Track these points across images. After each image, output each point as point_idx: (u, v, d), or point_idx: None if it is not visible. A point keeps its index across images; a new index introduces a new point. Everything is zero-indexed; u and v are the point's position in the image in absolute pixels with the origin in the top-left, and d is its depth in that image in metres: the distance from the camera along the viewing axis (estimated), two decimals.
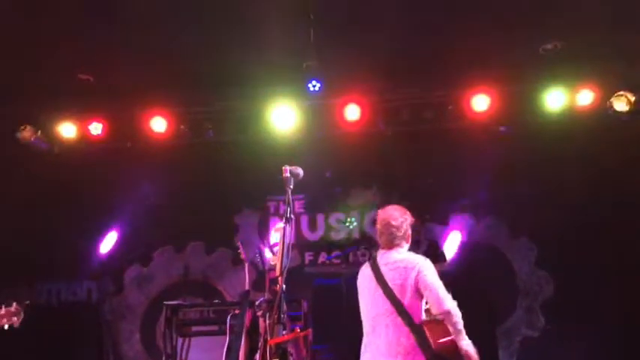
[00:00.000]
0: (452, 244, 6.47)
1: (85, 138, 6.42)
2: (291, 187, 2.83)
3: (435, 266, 5.58)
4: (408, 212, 3.48)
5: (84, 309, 6.94)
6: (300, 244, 6.96)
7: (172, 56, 5.39)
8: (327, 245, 6.94)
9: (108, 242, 6.85)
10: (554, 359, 5.97)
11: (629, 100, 5.75)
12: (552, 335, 6.30)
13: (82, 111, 6.36)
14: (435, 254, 5.73)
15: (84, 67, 5.56)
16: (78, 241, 6.75)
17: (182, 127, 6.33)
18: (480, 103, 5.99)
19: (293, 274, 6.81)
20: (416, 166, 6.76)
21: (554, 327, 6.33)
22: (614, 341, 5.96)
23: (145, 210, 6.68)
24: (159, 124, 6.28)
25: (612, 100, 5.81)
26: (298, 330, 2.62)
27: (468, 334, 4.74)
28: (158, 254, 7.10)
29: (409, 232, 3.43)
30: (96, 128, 6.31)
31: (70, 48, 5.14)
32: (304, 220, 7.09)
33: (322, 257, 6.92)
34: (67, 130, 6.40)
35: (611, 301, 6.09)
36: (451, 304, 3.11)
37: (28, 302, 3.58)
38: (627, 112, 5.81)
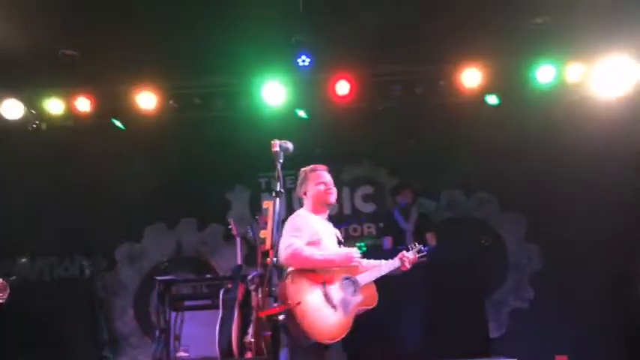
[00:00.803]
0: None
1: (72, 114, 6.34)
2: (281, 161, 2.83)
3: (428, 236, 5.64)
4: (314, 167, 3.50)
5: (77, 285, 6.96)
6: None
7: (160, 31, 5.29)
8: None
9: None
10: (542, 330, 6.08)
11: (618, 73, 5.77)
12: (540, 307, 6.42)
13: (68, 87, 6.27)
14: (425, 225, 5.79)
15: (69, 43, 5.46)
16: (68, 218, 6.72)
17: (171, 102, 6.26)
18: (471, 77, 5.97)
19: None
20: (407, 142, 6.76)
21: (543, 299, 6.45)
22: (599, 313, 6.09)
23: (135, 186, 6.64)
24: (147, 100, 6.20)
25: (600, 73, 5.82)
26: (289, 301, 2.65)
27: (458, 305, 4.85)
28: (149, 231, 7.11)
29: (305, 186, 3.44)
30: (83, 104, 6.24)
31: (54, 22, 5.03)
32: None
33: None
34: (54, 106, 6.31)
35: (597, 274, 6.20)
36: (284, 255, 2.99)
37: (14, 277, 3.57)
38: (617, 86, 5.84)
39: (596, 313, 6.08)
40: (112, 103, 6.31)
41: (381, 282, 4.90)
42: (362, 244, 5.66)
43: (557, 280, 6.35)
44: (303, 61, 5.70)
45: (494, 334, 6.11)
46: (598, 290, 6.14)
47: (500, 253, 6.68)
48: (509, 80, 6.05)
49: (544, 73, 5.88)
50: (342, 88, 6.13)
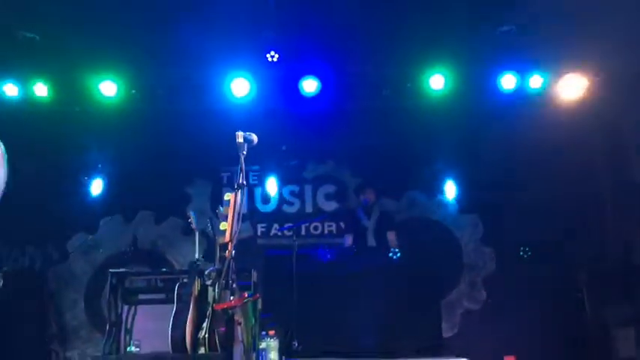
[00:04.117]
0: None
1: (29, 99, 6.11)
2: (245, 153, 2.80)
3: (389, 234, 5.74)
4: None
5: (27, 277, 6.70)
6: (253, 216, 6.95)
7: (126, 20, 5.17)
8: (279, 217, 6.97)
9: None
10: (492, 330, 6.26)
11: (577, 85, 5.99)
12: (492, 308, 6.61)
13: (26, 70, 6.04)
14: (387, 224, 5.87)
15: (29, 25, 5.27)
16: (19, 208, 6.46)
17: (133, 91, 6.12)
18: (437, 82, 6.08)
19: (245, 245, 6.82)
20: (372, 143, 6.84)
21: (494, 301, 6.63)
22: (546, 314, 6.30)
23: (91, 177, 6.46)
24: (108, 88, 6.04)
25: (561, 84, 6.03)
26: (246, 295, 2.60)
27: (414, 306, 4.94)
28: (105, 223, 6.92)
29: None
30: (41, 89, 6.03)
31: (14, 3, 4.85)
32: (258, 192, 7.06)
33: (274, 229, 6.93)
34: (10, 89, 6.07)
35: (545, 278, 6.42)
36: None
37: (5, 269, 3.34)
38: (576, 97, 6.07)
39: (544, 314, 6.29)
40: (72, 90, 6.12)
41: (339, 279, 4.96)
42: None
43: (508, 283, 6.55)
44: (272, 56, 5.68)
45: (447, 333, 6.24)
46: (546, 293, 6.37)
47: (456, 255, 6.83)
48: (474, 85, 6.18)
49: (507, 80, 6.05)
50: (310, 86, 6.14)
